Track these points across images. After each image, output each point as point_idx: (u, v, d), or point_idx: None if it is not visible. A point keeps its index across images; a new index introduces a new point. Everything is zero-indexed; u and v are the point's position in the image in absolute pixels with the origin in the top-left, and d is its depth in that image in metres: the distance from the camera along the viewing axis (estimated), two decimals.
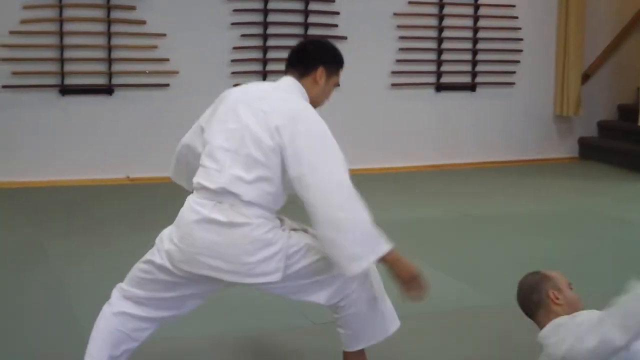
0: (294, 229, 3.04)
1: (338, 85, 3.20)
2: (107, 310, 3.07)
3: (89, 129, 7.54)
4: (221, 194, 2.87)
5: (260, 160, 2.86)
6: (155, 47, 7.60)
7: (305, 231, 3.05)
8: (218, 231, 2.87)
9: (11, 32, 7.11)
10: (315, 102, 3.08)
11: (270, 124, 2.87)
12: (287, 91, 3.04)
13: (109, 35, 7.48)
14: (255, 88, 3.12)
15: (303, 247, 2.97)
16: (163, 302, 3.04)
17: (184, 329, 3.66)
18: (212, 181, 2.90)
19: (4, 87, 7.16)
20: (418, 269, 2.97)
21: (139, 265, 3.07)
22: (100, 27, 7.47)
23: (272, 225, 2.91)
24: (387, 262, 2.92)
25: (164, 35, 7.61)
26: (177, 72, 7.70)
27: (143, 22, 7.53)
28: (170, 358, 3.59)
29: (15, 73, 7.16)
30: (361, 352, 3.22)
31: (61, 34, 7.29)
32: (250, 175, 2.86)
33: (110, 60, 7.50)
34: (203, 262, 2.88)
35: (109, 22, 7.47)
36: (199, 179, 2.97)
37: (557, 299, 3.02)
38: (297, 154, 2.85)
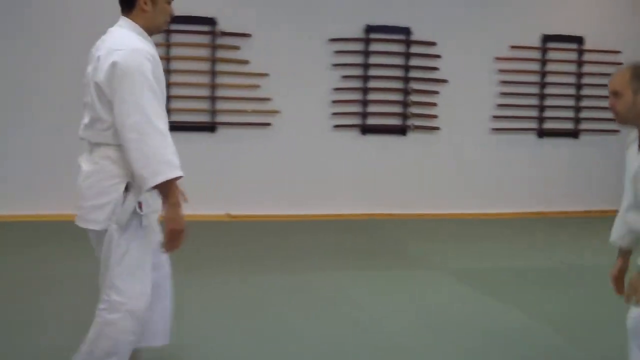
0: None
1: None
2: None
3: (191, 165, 7.63)
4: (85, 143, 3.10)
5: (89, 103, 3.02)
6: (257, 86, 7.73)
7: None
8: (78, 178, 3.09)
9: None
10: (153, 27, 3.12)
11: (102, 69, 2.95)
12: (118, 32, 3.08)
13: (213, 73, 7.65)
14: (100, 40, 3.14)
15: (138, 220, 3.03)
16: None
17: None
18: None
19: None
20: (185, 224, 3.01)
21: None
22: (205, 66, 7.65)
23: (113, 175, 3.00)
24: (168, 201, 2.97)
25: (267, 74, 7.74)
26: (278, 112, 7.80)
27: (246, 62, 7.68)
28: None
29: None
30: None
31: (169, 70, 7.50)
32: (87, 119, 3.05)
33: (213, 99, 7.67)
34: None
35: (214, 61, 7.64)
36: None
37: None
38: (112, 90, 2.93)
